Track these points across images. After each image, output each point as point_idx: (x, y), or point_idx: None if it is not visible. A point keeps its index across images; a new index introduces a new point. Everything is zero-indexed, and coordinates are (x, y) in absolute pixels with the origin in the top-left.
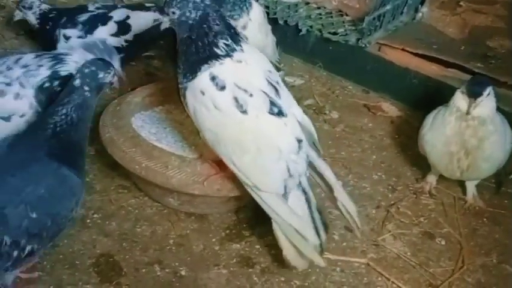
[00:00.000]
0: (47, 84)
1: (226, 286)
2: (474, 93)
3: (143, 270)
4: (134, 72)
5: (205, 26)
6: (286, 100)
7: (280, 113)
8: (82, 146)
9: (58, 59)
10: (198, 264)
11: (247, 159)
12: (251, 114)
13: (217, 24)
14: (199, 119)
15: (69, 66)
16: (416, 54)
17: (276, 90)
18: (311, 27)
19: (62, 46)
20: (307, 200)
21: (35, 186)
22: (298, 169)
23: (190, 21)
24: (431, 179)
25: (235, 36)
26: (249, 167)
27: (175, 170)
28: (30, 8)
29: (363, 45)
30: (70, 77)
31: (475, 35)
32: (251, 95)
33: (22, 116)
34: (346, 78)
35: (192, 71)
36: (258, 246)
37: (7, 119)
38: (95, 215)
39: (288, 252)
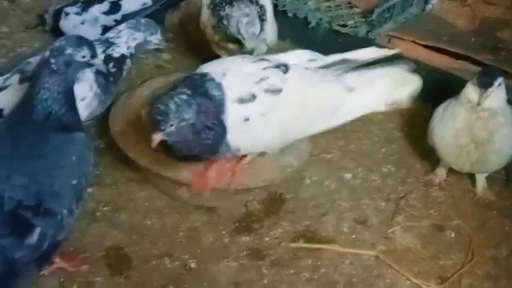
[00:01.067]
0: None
1: (236, 278)
2: (485, 84)
3: (153, 263)
4: (143, 65)
5: (203, 109)
6: (276, 56)
7: (285, 68)
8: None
9: (109, 43)
10: (208, 257)
11: (314, 107)
12: (284, 86)
13: (207, 96)
14: (262, 138)
15: (120, 48)
16: (426, 46)
17: (265, 59)
18: (320, 19)
19: (62, 23)
20: None
21: (66, 156)
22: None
23: (191, 121)
24: (441, 171)
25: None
26: (321, 110)
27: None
28: (46, 11)
29: (373, 38)
30: (123, 57)
31: (485, 27)
32: (268, 77)
33: (83, 99)
34: None
35: (217, 143)
36: (267, 239)
37: None
38: (105, 208)
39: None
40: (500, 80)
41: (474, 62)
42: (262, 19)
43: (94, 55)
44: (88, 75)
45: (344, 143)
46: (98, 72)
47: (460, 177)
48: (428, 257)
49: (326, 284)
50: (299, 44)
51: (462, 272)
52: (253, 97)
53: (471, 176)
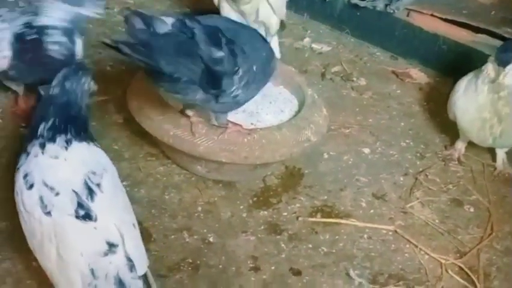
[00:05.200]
0: None
1: (254, 252)
2: (503, 61)
3: (172, 237)
4: None
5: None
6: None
7: (86, 216)
8: None
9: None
10: (226, 231)
11: (51, 266)
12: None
13: None
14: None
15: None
16: (445, 20)
17: (91, 192)
18: None
19: None
20: None
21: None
22: (107, 270)
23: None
24: (460, 145)
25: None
26: (54, 275)
27: (203, 137)
28: None
29: (392, 11)
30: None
31: (505, 0)
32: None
33: None
34: (374, 45)
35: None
36: (285, 214)
37: None
38: (124, 183)
39: None
40: None
41: (494, 35)
42: None
43: None
44: None
45: (362, 118)
46: None
47: (479, 152)
48: (446, 232)
49: (343, 258)
50: (317, 18)
51: (480, 247)
52: (31, 187)
53: (490, 150)
